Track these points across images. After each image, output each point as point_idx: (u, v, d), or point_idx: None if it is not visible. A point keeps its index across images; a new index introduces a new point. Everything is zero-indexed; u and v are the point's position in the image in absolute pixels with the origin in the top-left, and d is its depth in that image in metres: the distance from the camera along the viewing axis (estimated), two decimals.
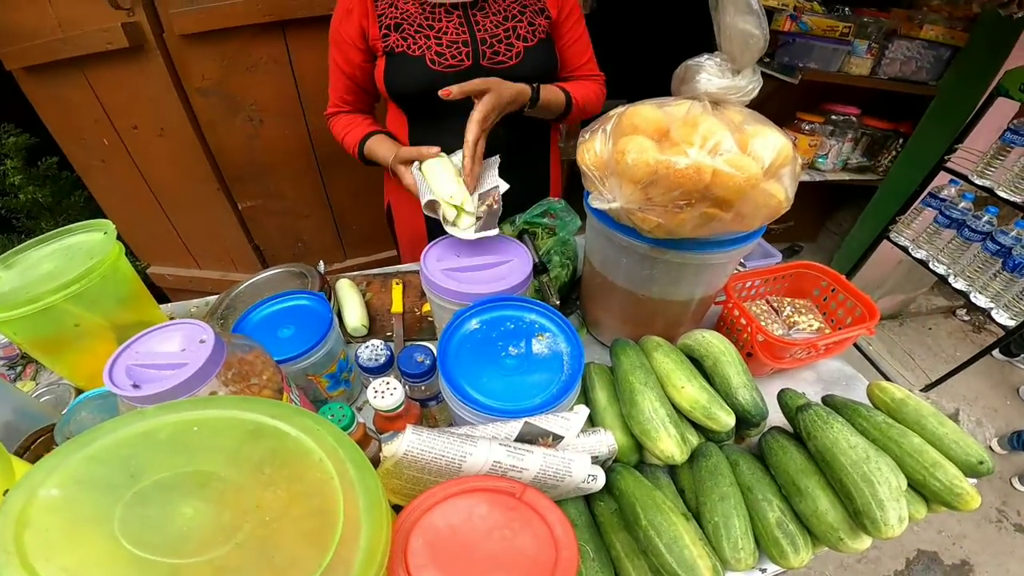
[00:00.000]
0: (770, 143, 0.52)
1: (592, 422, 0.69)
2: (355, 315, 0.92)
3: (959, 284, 1.63)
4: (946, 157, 1.69)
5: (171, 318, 1.01)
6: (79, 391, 0.82)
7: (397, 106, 1.00)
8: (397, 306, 0.97)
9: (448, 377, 0.56)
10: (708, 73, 0.58)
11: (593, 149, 0.57)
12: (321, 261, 1.02)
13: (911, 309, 2.78)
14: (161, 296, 2.18)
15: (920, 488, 0.62)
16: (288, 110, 1.57)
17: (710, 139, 0.50)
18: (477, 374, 0.57)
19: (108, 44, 1.39)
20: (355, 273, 1.09)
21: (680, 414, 0.67)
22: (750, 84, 0.58)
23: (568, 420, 0.54)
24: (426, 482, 0.50)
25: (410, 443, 0.48)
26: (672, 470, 0.67)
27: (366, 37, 0.91)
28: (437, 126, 0.97)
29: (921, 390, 1.89)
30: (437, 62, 0.89)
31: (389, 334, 0.93)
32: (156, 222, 1.89)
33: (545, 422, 0.53)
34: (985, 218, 1.56)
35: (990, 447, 2.11)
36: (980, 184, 1.57)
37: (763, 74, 0.59)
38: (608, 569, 0.56)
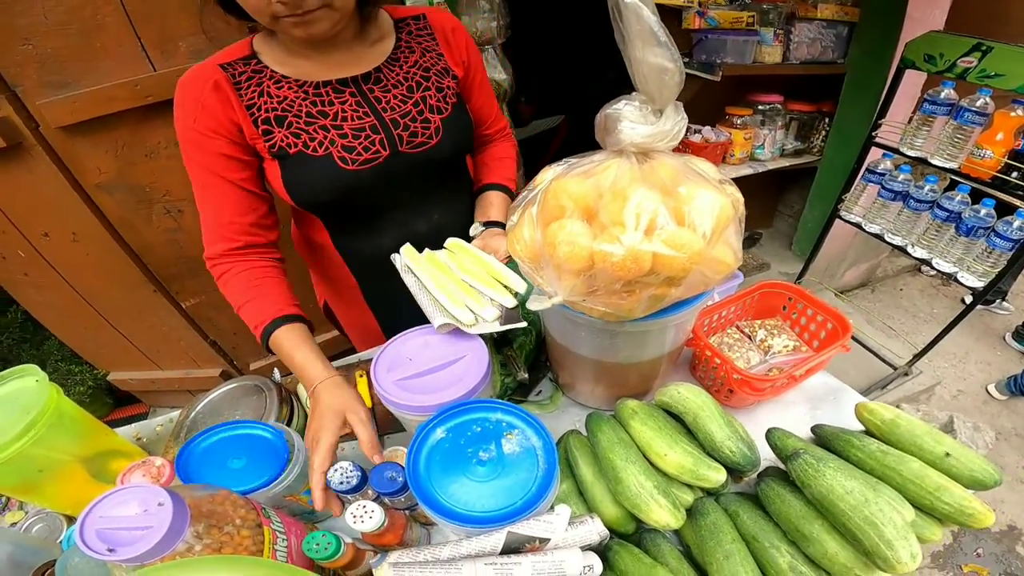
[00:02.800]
0: (707, 206, 0.48)
1: (582, 495, 0.66)
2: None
3: (919, 252, 1.66)
4: (873, 133, 1.73)
5: (138, 438, 0.96)
6: (69, 517, 0.77)
7: (309, 214, 0.84)
8: (366, 402, 0.90)
9: (421, 494, 0.53)
10: (630, 121, 0.53)
11: (523, 237, 0.52)
12: (276, 370, 0.94)
13: (878, 275, 2.85)
14: (129, 397, 2.03)
15: (929, 512, 0.60)
16: None
17: (643, 215, 0.46)
18: (451, 486, 0.54)
19: None
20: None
21: (669, 478, 0.63)
22: (675, 127, 0.54)
23: (551, 523, 0.52)
24: None
25: None
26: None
27: (240, 133, 0.71)
28: (364, 229, 0.85)
29: (910, 363, 1.90)
30: (348, 159, 0.73)
31: None
32: (101, 330, 1.75)
33: (528, 528, 0.51)
34: (927, 187, 1.59)
35: (988, 393, 2.15)
36: (912, 155, 1.60)
37: (686, 74, 0.55)
38: None
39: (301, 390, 0.92)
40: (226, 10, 0.65)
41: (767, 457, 0.67)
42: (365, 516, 0.54)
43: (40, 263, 1.54)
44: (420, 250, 0.78)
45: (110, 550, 0.46)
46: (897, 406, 0.87)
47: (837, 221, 1.94)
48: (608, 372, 0.71)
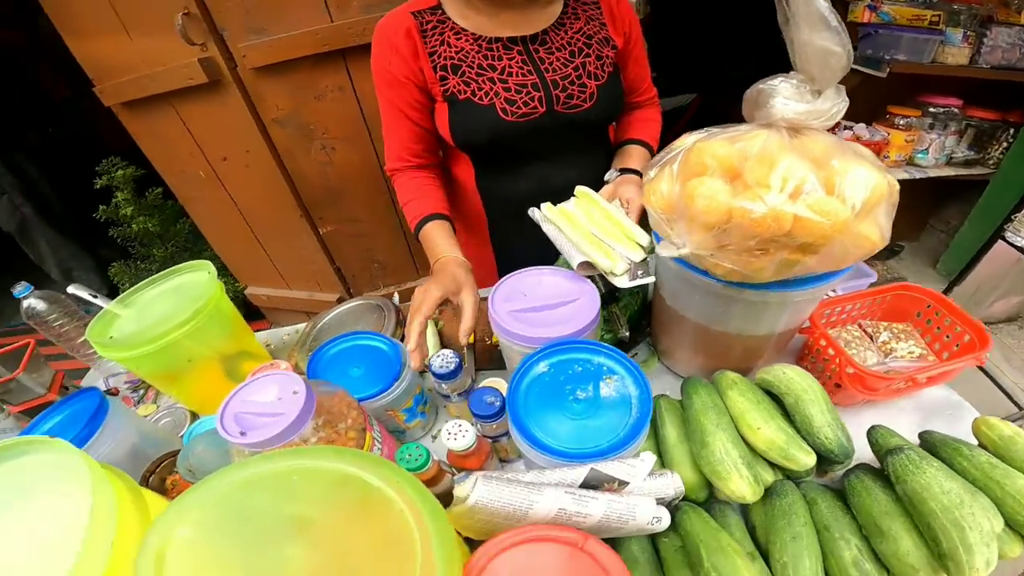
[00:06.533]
0: (861, 180, 0.47)
1: (660, 458, 0.68)
2: (430, 348, 0.95)
3: None
4: None
5: (267, 344, 1.12)
6: (194, 414, 0.92)
7: (462, 154, 0.95)
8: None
9: (517, 422, 0.57)
10: (784, 97, 0.53)
11: (660, 190, 0.55)
12: (396, 293, 1.06)
13: None
14: (258, 313, 2.38)
15: (1020, 530, 0.56)
16: (356, 136, 1.65)
17: (790, 180, 0.47)
18: (545, 418, 0.57)
19: (189, 79, 1.51)
20: None
21: (755, 453, 0.63)
22: (834, 107, 0.53)
23: (634, 467, 0.54)
24: (496, 524, 0.51)
25: (479, 494, 0.50)
26: (743, 507, 0.65)
27: (422, 75, 0.82)
28: (507, 173, 0.95)
29: None
30: (509, 111, 0.82)
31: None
32: (250, 247, 2.06)
33: (611, 468, 0.53)
34: None
35: None
36: None
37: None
38: None
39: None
40: None
41: (859, 456, 0.65)
42: (459, 434, 0.59)
43: (215, 183, 1.84)
44: (554, 203, 0.83)
45: (242, 433, 0.52)
46: None
47: (998, 243, 1.70)
48: (713, 341, 0.72)
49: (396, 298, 1.08)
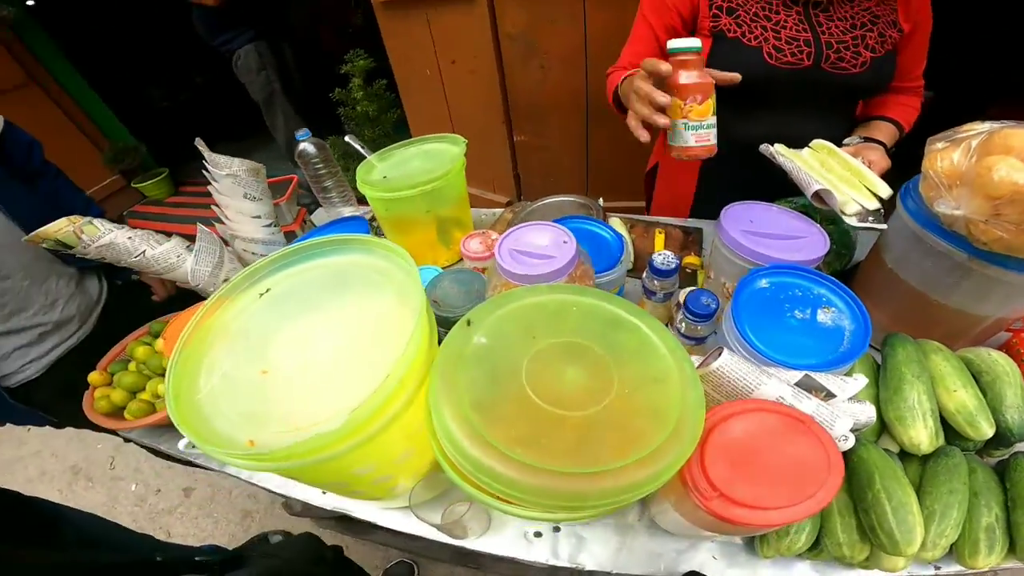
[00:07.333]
0: None
1: None
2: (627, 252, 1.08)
3: None
4: None
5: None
6: None
7: None
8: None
9: (737, 320, 0.66)
10: None
11: (950, 158, 0.61)
12: (600, 198, 1.19)
13: None
14: None
15: None
16: (573, 61, 1.78)
17: None
18: (761, 325, 0.66)
19: None
20: (622, 215, 1.26)
21: (939, 417, 0.68)
22: None
23: (846, 383, 0.59)
24: (712, 398, 0.58)
25: (723, 361, 0.57)
26: (902, 463, 0.69)
27: (694, 10, 0.90)
28: (747, 114, 0.99)
29: None
30: (775, 56, 0.87)
31: None
32: None
33: (825, 379, 0.58)
34: None
35: None
36: None
37: None
38: (817, 519, 0.63)
39: (614, 221, 1.14)
40: None
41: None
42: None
43: (436, 82, 2.10)
44: None
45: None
46: None
47: None
48: (924, 310, 0.77)
49: (601, 200, 1.18)
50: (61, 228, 0.89)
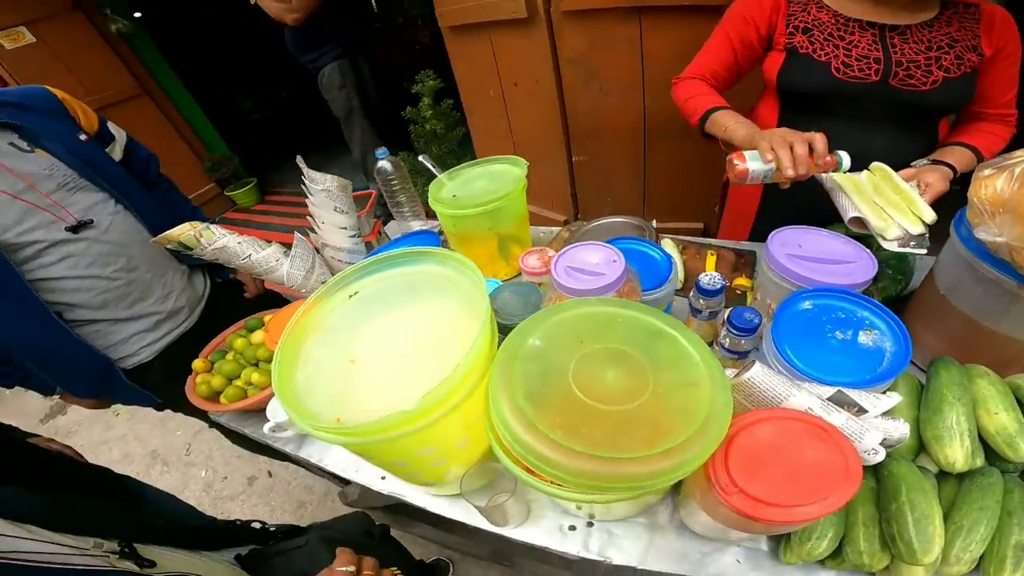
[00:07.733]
0: None
1: None
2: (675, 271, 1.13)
3: None
4: None
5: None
6: None
7: (776, 97, 1.04)
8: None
9: (776, 337, 0.70)
10: None
11: (993, 186, 0.63)
12: (654, 219, 1.24)
13: None
14: None
15: None
16: (631, 85, 1.83)
17: None
18: (801, 344, 0.69)
19: (513, 13, 1.81)
20: (674, 236, 1.29)
21: (979, 438, 0.68)
22: None
23: (879, 400, 0.60)
24: (744, 407, 0.61)
25: (754, 372, 0.61)
26: (939, 482, 0.69)
27: (771, 28, 0.97)
28: (813, 126, 0.99)
29: None
30: (842, 71, 0.91)
31: None
32: None
33: (858, 395, 0.60)
34: None
35: None
36: None
37: None
38: (840, 527, 0.64)
39: (666, 242, 1.19)
40: None
41: None
42: None
43: (500, 103, 2.22)
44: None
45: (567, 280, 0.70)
46: None
47: None
48: (975, 337, 0.77)
49: (654, 222, 1.23)
50: (184, 232, 1.05)
